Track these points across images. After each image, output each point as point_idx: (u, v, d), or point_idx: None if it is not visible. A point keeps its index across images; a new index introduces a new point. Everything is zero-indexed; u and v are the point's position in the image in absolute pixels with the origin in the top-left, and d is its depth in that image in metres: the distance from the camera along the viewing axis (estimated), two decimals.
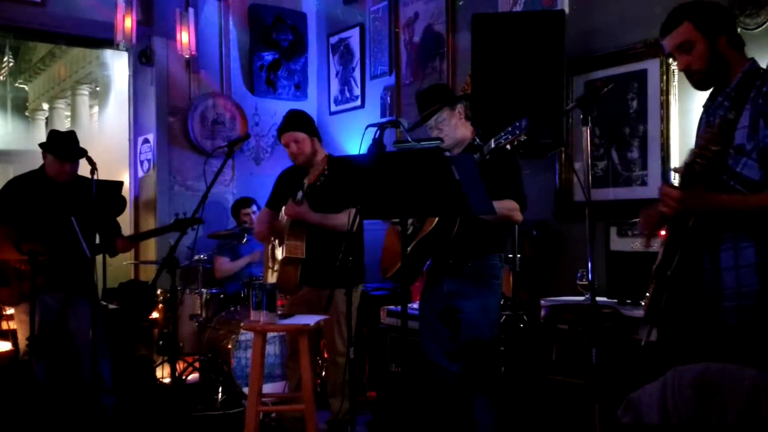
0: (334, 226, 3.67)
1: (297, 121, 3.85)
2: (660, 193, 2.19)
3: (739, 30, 3.30)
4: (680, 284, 2.19)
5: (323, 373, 4.50)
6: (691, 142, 2.51)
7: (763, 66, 2.29)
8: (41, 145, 4.00)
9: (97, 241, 4.02)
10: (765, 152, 2.09)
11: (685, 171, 2.09)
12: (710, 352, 2.12)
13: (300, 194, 3.74)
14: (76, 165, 4.00)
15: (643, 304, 2.34)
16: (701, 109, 2.42)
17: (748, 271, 2.14)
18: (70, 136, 4.02)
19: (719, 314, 2.18)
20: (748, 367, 1.75)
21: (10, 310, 4.21)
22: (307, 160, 3.81)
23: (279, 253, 3.88)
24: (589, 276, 2.57)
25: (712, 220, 2.15)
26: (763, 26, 3.29)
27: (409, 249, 3.12)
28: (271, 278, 3.94)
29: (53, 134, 4.08)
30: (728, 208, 2.13)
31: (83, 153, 3.91)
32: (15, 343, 4.22)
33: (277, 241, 3.94)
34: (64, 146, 3.94)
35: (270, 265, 4.00)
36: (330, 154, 3.99)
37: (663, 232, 2.33)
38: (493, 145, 2.95)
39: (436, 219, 3.09)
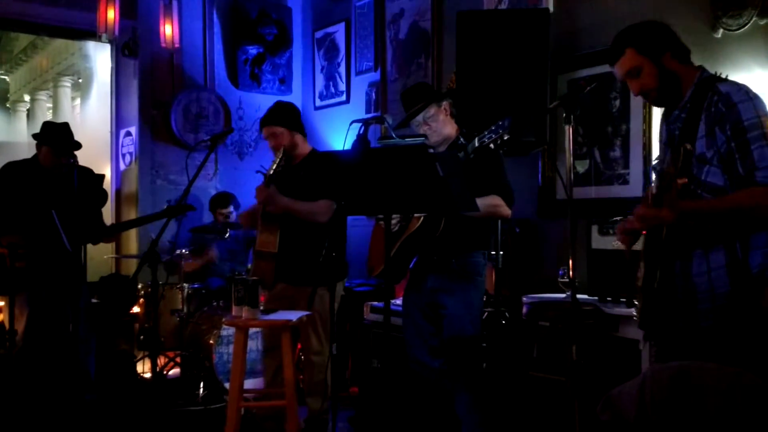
0: (302, 212, 3.63)
1: (278, 114, 3.81)
2: (636, 215, 2.23)
3: (721, 31, 3.37)
4: (665, 294, 2.24)
5: (304, 370, 4.48)
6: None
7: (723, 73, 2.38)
8: (36, 136, 3.97)
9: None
10: (724, 158, 2.17)
11: (653, 199, 2.14)
12: (688, 356, 2.15)
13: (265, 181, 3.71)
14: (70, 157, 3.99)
15: (635, 316, 2.40)
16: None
17: (719, 274, 2.19)
18: (66, 129, 4.02)
19: (695, 317, 2.22)
20: (725, 365, 1.77)
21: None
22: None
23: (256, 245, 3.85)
24: (571, 273, 2.58)
25: (682, 227, 2.20)
26: (745, 27, 3.32)
27: (395, 247, 3.13)
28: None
29: (49, 126, 4.07)
30: (704, 212, 2.18)
31: (78, 146, 3.95)
32: (2, 336, 4.19)
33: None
34: (62, 139, 3.94)
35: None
36: (314, 148, 3.97)
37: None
38: (477, 144, 2.97)
39: (422, 217, 3.10)
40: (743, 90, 2.20)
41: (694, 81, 2.29)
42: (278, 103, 3.90)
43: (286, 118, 3.80)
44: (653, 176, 2.51)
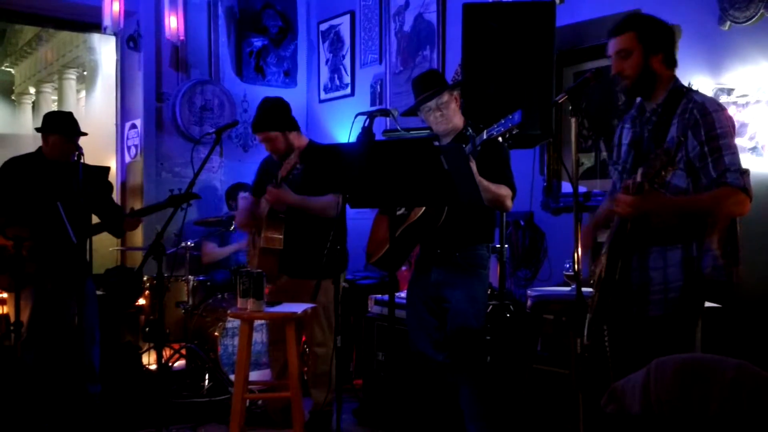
0: (315, 209, 3.65)
1: (268, 118, 3.77)
2: (615, 200, 2.36)
3: (729, 23, 3.36)
4: (622, 285, 2.40)
5: (309, 361, 4.50)
6: None
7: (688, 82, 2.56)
8: (43, 127, 3.96)
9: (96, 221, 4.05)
10: (692, 162, 2.34)
11: (637, 186, 2.25)
12: (637, 345, 2.35)
13: (276, 182, 3.70)
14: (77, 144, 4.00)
15: (589, 308, 2.49)
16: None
17: (674, 270, 2.37)
18: (72, 116, 4.04)
19: (645, 306, 2.40)
20: (730, 357, 1.77)
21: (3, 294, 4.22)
22: (285, 154, 3.78)
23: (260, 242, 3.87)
24: (576, 266, 2.58)
25: (645, 223, 2.35)
26: (752, 19, 3.30)
27: (395, 235, 3.12)
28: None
29: (55, 115, 4.08)
30: (680, 208, 2.36)
31: (84, 132, 3.99)
32: (7, 329, 4.20)
33: (256, 230, 3.91)
34: (71, 124, 3.96)
35: (252, 254, 3.99)
36: (311, 141, 3.96)
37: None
38: (485, 137, 2.94)
39: (424, 207, 3.09)
40: (716, 102, 2.43)
41: (668, 88, 2.45)
42: (264, 106, 3.83)
43: (277, 121, 3.76)
44: (614, 175, 2.65)
